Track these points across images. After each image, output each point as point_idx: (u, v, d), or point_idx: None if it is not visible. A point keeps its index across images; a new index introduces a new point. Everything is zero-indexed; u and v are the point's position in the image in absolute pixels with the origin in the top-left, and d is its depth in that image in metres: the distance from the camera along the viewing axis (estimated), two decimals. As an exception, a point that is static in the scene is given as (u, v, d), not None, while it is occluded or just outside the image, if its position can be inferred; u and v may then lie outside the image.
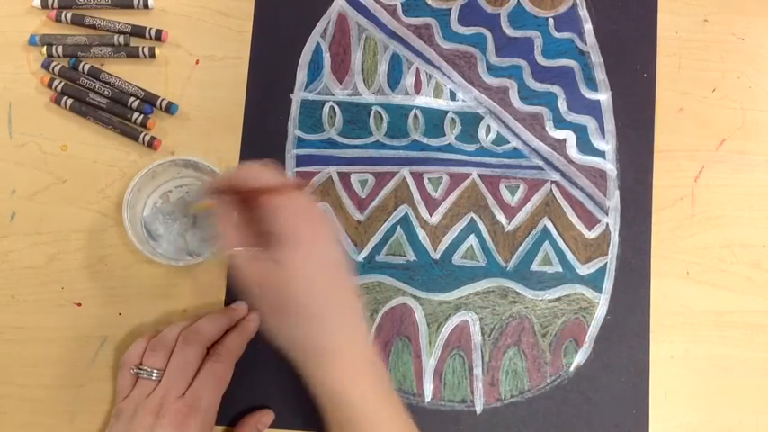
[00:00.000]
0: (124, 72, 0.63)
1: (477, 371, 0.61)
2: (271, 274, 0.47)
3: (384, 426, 0.49)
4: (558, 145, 0.63)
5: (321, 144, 0.63)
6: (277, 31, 0.64)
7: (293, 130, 0.63)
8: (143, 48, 0.62)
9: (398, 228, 0.62)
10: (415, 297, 0.61)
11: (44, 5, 0.63)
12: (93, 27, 0.63)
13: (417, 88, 0.64)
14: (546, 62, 0.64)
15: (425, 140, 0.63)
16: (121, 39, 0.62)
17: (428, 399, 0.60)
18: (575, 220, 0.62)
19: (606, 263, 0.62)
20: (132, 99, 0.62)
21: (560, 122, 0.64)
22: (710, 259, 0.62)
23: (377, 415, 0.49)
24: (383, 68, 0.64)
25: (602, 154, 0.63)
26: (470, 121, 0.63)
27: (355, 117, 0.63)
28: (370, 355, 0.50)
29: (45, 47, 0.62)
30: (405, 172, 0.63)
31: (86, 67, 0.62)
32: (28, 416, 0.59)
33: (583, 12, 0.65)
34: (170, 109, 0.62)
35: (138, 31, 0.63)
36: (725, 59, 0.65)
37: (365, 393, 0.49)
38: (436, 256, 0.62)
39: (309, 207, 0.49)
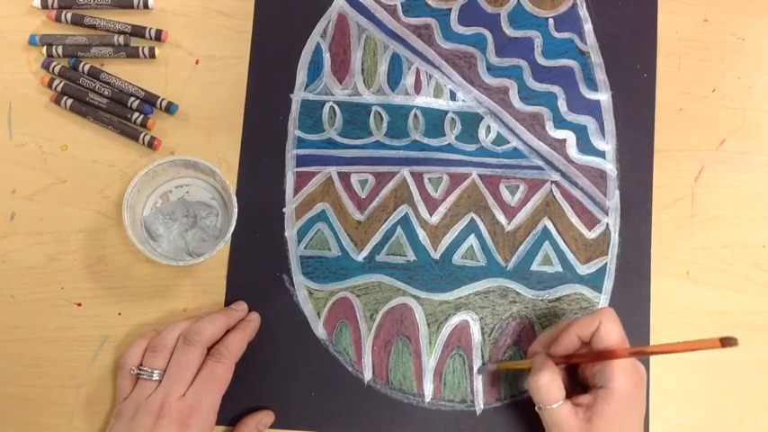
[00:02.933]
0: (124, 72, 0.63)
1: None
2: (581, 423, 0.52)
3: None
4: (558, 145, 0.63)
5: (321, 144, 0.63)
6: (277, 31, 0.64)
7: (293, 130, 0.63)
8: (143, 48, 0.62)
9: (398, 228, 0.62)
10: (415, 297, 0.61)
11: (44, 5, 0.63)
12: (93, 27, 0.63)
13: (417, 88, 0.64)
14: (546, 62, 0.64)
15: (425, 140, 0.63)
16: (121, 39, 0.62)
17: (428, 399, 0.60)
18: (575, 220, 0.62)
19: (606, 263, 0.62)
20: (132, 99, 0.62)
21: (560, 122, 0.64)
22: (710, 259, 0.62)
23: None
24: (383, 68, 0.64)
25: (602, 154, 0.63)
26: (470, 121, 0.63)
27: (355, 117, 0.63)
28: None
29: (45, 47, 0.62)
30: (405, 172, 0.63)
31: (86, 67, 0.62)
32: (28, 416, 0.59)
33: (583, 12, 0.65)
34: (170, 109, 0.62)
35: (138, 31, 0.63)
36: (725, 59, 0.65)
37: None
38: (436, 256, 0.62)
39: (637, 367, 0.54)
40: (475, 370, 0.60)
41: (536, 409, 0.54)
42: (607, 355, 0.52)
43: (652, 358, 0.61)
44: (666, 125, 0.64)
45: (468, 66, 0.64)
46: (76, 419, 0.59)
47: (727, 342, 0.43)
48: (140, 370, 0.55)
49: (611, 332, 0.53)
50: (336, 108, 0.63)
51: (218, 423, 0.57)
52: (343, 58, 0.64)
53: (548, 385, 0.53)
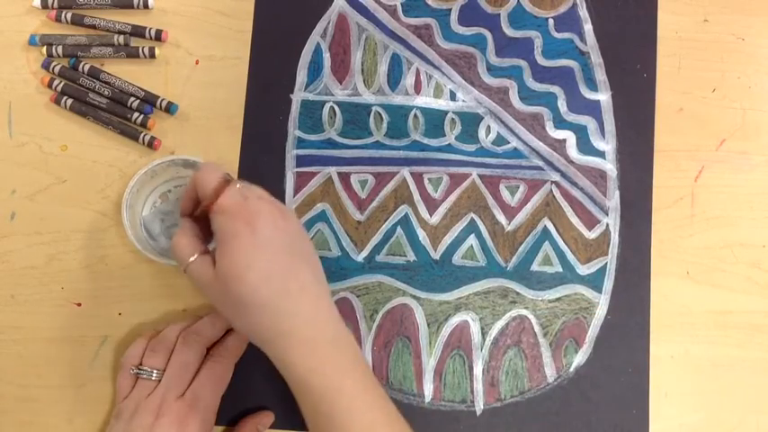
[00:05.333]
0: (124, 72, 0.63)
1: (477, 371, 0.61)
2: (215, 272, 0.49)
3: (349, 396, 0.49)
4: (558, 145, 0.63)
5: (321, 144, 0.63)
6: (277, 31, 0.64)
7: (293, 131, 0.63)
8: (143, 48, 0.62)
9: (398, 228, 0.62)
10: (415, 297, 0.61)
11: (44, 5, 0.63)
12: (94, 27, 0.63)
13: (417, 88, 0.64)
14: (546, 62, 0.64)
15: (425, 141, 0.63)
16: (121, 39, 0.62)
17: (428, 399, 0.60)
18: (575, 220, 0.62)
19: (606, 263, 0.62)
20: (132, 99, 0.62)
21: (560, 123, 0.64)
22: (710, 259, 0.62)
23: (344, 393, 0.49)
24: (383, 68, 0.64)
25: (602, 154, 0.63)
26: (470, 122, 0.63)
27: (355, 117, 0.63)
28: (332, 332, 0.50)
29: (45, 47, 0.62)
30: (405, 172, 0.63)
31: (86, 67, 0.62)
32: (28, 416, 0.59)
33: (583, 12, 0.65)
34: (170, 109, 0.62)
35: (138, 31, 0.63)
36: (725, 59, 0.65)
37: (329, 371, 0.49)
38: (436, 256, 0.62)
39: (243, 202, 0.49)
40: None
41: (183, 271, 0.52)
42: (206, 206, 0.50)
43: (652, 359, 0.60)
44: (666, 125, 0.64)
45: (468, 66, 0.64)
46: (76, 419, 0.59)
47: None
48: (140, 369, 0.55)
49: (209, 182, 0.50)
50: (336, 108, 0.63)
51: (218, 423, 0.57)
52: (343, 58, 0.64)
53: (179, 244, 0.51)
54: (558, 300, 0.62)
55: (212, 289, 0.50)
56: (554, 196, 0.63)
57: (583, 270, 0.62)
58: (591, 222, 0.62)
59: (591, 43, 0.65)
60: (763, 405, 0.61)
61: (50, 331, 0.60)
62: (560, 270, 0.62)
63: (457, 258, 0.62)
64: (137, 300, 0.60)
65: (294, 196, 0.62)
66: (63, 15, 0.63)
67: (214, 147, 0.62)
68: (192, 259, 0.50)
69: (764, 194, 0.63)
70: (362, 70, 0.64)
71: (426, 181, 0.63)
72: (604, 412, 0.60)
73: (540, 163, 0.63)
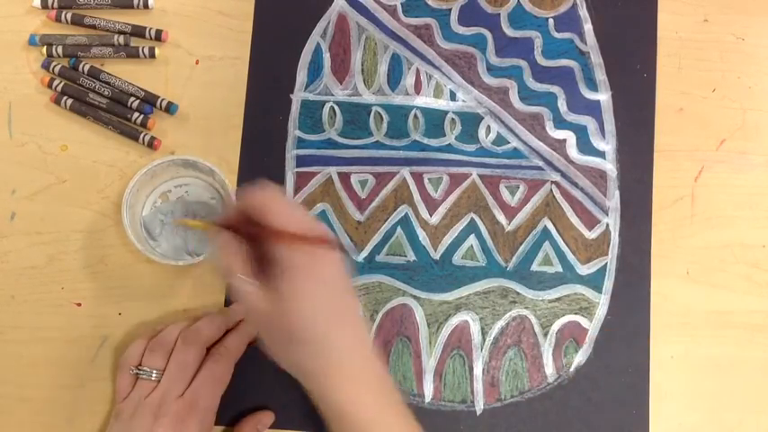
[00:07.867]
0: (124, 72, 0.63)
1: (477, 371, 0.61)
2: (271, 305, 0.47)
3: (388, 430, 0.50)
4: (558, 145, 0.63)
5: (321, 144, 0.63)
6: (277, 31, 0.64)
7: (293, 131, 0.63)
8: (143, 48, 0.62)
9: (398, 228, 0.62)
10: (415, 297, 0.61)
11: (44, 5, 0.63)
12: (93, 27, 0.63)
13: (417, 88, 0.64)
14: (546, 62, 0.64)
15: (425, 141, 0.63)
16: (121, 39, 0.62)
17: (428, 399, 0.60)
18: (575, 220, 0.62)
19: (606, 263, 0.62)
20: (132, 99, 0.62)
21: (560, 123, 0.64)
22: (710, 259, 0.62)
23: (383, 427, 0.49)
24: (383, 69, 0.64)
25: (602, 154, 0.63)
26: (470, 122, 0.63)
27: (355, 117, 0.63)
28: (375, 370, 0.50)
29: (45, 47, 0.62)
30: (405, 172, 0.63)
31: (86, 67, 0.62)
32: (28, 416, 0.59)
33: (583, 12, 0.65)
34: (170, 109, 0.62)
35: (138, 31, 0.63)
36: (725, 59, 0.65)
37: (370, 406, 0.49)
38: (436, 256, 0.62)
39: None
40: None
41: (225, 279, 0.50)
42: (291, 239, 0.47)
43: (652, 359, 0.60)
44: (666, 125, 0.64)
45: (468, 66, 0.64)
46: (76, 419, 0.59)
47: None
48: (139, 370, 0.55)
49: (292, 216, 0.48)
50: (336, 108, 0.63)
51: (218, 423, 0.57)
52: (343, 58, 0.64)
53: (234, 266, 0.48)
54: (557, 300, 0.62)
55: (265, 318, 0.48)
56: (554, 196, 0.63)
57: (583, 270, 0.62)
58: (591, 222, 0.62)
59: (591, 43, 0.65)
60: (763, 405, 0.61)
61: (50, 331, 0.60)
62: (560, 270, 0.62)
63: (457, 258, 0.62)
64: (137, 300, 0.60)
65: (294, 196, 0.62)
66: (63, 15, 0.63)
67: (214, 147, 0.62)
68: (251, 288, 0.48)
69: (764, 194, 0.63)
70: (362, 70, 0.64)
71: (426, 181, 0.63)
72: (604, 412, 0.60)
73: (540, 163, 0.63)
